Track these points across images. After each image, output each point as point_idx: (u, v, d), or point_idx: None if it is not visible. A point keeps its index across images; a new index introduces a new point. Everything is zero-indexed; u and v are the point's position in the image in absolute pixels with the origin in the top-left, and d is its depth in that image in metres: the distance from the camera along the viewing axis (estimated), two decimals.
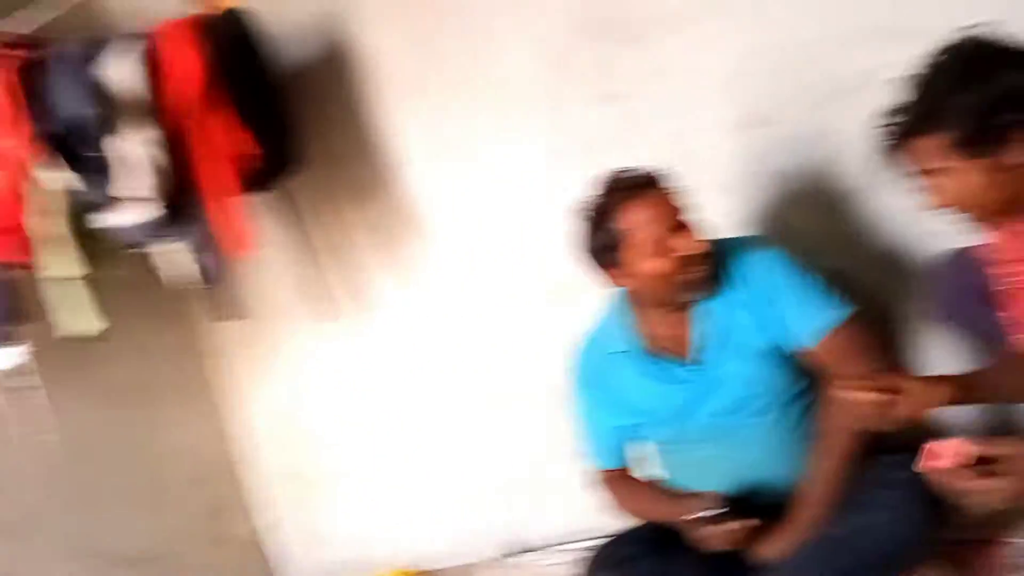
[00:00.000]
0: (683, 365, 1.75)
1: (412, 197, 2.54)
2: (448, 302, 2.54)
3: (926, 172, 1.36)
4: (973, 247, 1.58)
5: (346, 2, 2.47)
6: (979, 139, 1.28)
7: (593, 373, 1.88)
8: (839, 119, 1.94)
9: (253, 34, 2.30)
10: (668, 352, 1.77)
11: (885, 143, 1.40)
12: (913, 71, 1.36)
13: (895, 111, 1.37)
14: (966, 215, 1.38)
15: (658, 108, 2.14)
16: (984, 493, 1.24)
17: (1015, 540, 1.63)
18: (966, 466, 1.23)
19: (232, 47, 2.23)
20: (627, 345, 1.80)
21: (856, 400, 1.34)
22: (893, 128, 1.37)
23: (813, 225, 2.03)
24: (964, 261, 1.62)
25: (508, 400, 2.47)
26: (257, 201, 2.43)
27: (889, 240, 1.96)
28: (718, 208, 2.06)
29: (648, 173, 1.70)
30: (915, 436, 1.89)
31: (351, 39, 2.49)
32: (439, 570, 2.66)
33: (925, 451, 1.27)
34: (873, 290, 1.93)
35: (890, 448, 1.67)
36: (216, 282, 2.32)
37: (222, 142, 2.20)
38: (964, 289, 1.62)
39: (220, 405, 3.02)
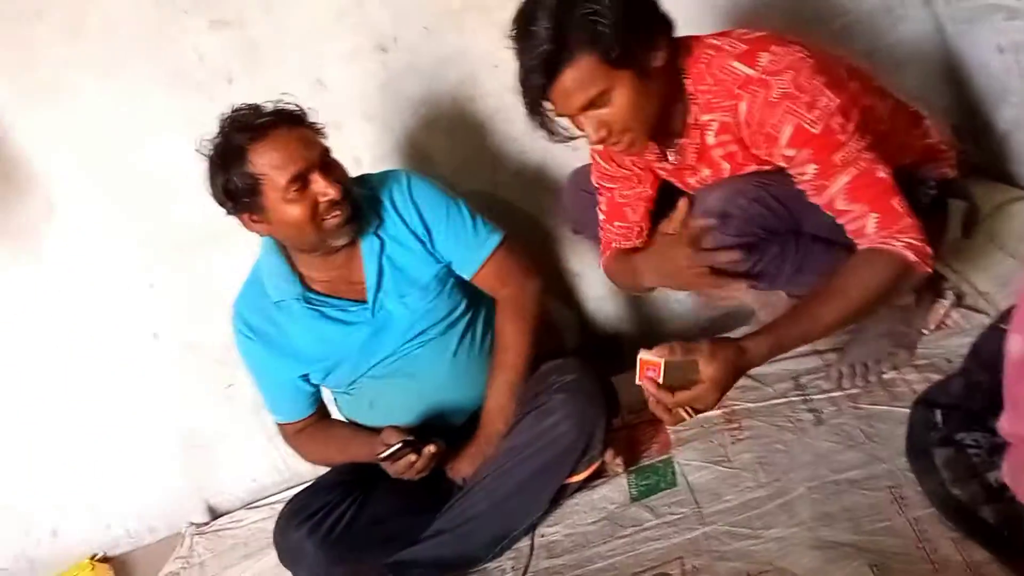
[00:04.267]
0: (352, 304, 1.69)
1: (10, 152, 2.14)
2: (81, 263, 2.19)
3: (581, 108, 1.32)
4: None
5: None
6: (626, 47, 1.28)
7: (257, 326, 1.75)
8: (460, 42, 1.97)
9: None
10: (334, 293, 1.70)
11: (531, 96, 1.34)
12: (518, 36, 1.30)
13: (526, 62, 1.30)
14: (627, 138, 1.37)
15: (277, 36, 2.01)
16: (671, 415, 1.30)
17: None
18: (659, 383, 1.26)
19: None
20: (289, 292, 1.69)
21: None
22: (533, 78, 1.29)
23: (455, 149, 2.06)
24: (586, 173, 1.72)
25: (175, 361, 2.24)
26: None
27: (531, 157, 2.05)
28: (361, 139, 2.04)
29: (279, 109, 1.57)
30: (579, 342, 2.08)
31: None
32: (128, 553, 2.44)
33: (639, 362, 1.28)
34: (520, 207, 2.02)
35: (555, 353, 1.78)
36: None
37: None
38: (585, 200, 1.72)
39: None
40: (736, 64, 1.34)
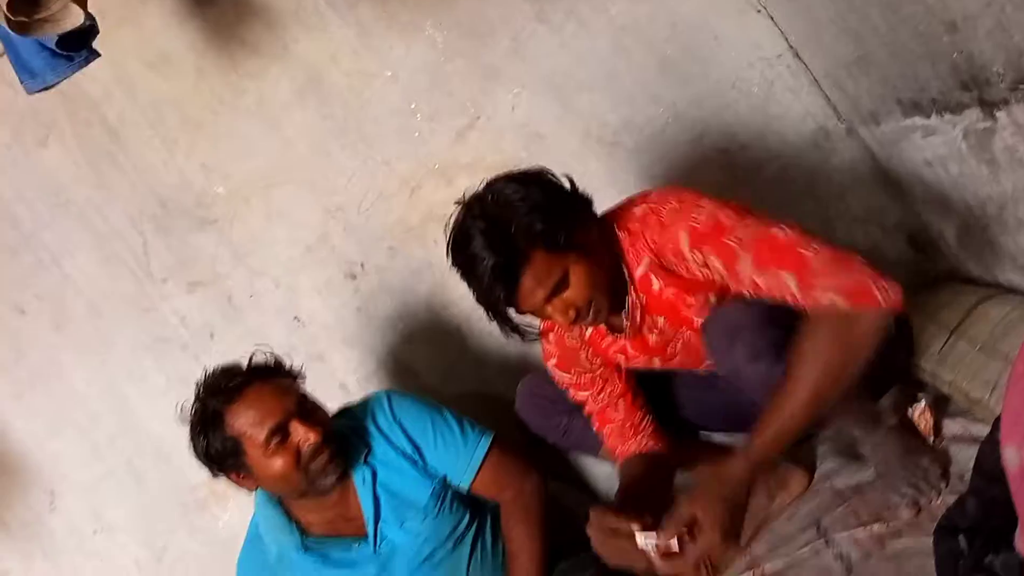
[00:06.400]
0: (354, 542, 1.66)
1: (9, 446, 2.17)
2: (85, 545, 2.17)
3: (545, 298, 1.36)
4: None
5: None
6: (566, 231, 1.34)
7: None
8: (425, 255, 2.07)
9: None
10: (334, 533, 1.66)
11: (495, 307, 1.40)
12: (462, 263, 1.38)
13: (482, 281, 1.35)
14: (594, 309, 1.41)
15: (250, 285, 2.11)
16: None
17: None
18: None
19: None
20: (289, 543, 1.65)
21: None
22: (495, 291, 1.35)
23: (438, 357, 2.10)
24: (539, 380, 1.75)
25: None
26: None
27: (512, 349, 2.05)
28: (344, 365, 2.08)
29: (252, 366, 1.59)
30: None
31: None
32: None
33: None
34: (511, 398, 2.01)
35: (575, 543, 1.73)
36: None
37: None
38: (542, 405, 1.76)
39: None
40: (635, 210, 1.45)
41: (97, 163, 2.09)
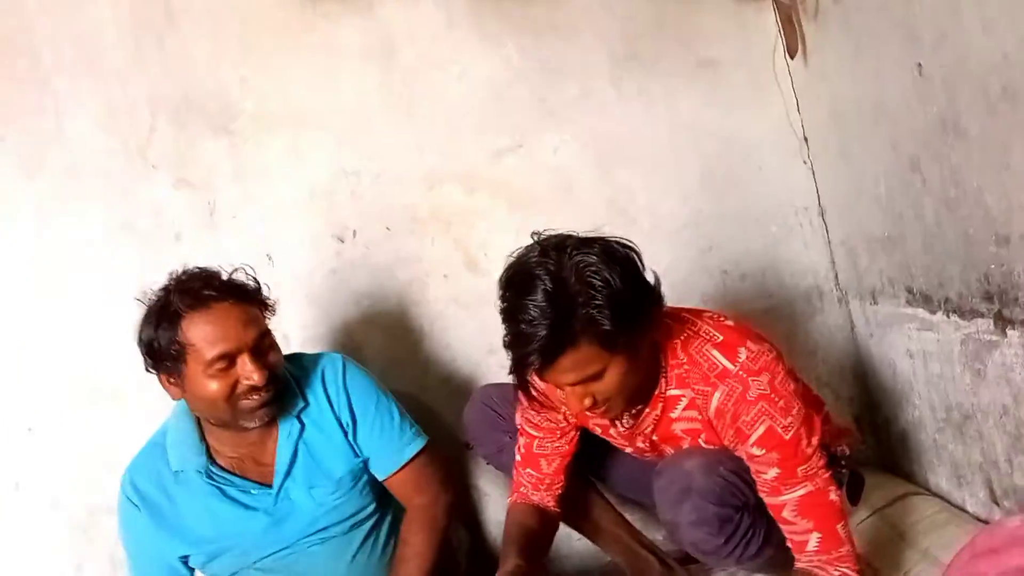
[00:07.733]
0: (255, 487, 1.61)
1: None
2: None
3: (571, 384, 1.32)
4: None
5: None
6: (626, 335, 1.29)
7: (148, 494, 1.63)
8: (417, 248, 2.07)
9: None
10: (239, 472, 1.61)
11: (522, 369, 1.33)
12: (511, 307, 1.29)
13: (523, 342, 1.27)
14: (609, 407, 1.37)
15: (238, 206, 2.07)
16: None
17: None
18: None
19: None
20: (192, 463, 1.59)
21: None
22: (531, 359, 1.27)
23: (389, 346, 2.08)
24: (498, 393, 1.73)
25: (30, 522, 2.01)
26: None
27: (461, 367, 2.07)
28: (296, 319, 2.04)
29: (231, 282, 1.54)
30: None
31: None
32: None
33: None
34: (441, 414, 2.02)
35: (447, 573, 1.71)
36: None
37: None
38: (486, 415, 1.74)
39: None
40: (716, 352, 1.40)
41: (141, 37, 2.05)
